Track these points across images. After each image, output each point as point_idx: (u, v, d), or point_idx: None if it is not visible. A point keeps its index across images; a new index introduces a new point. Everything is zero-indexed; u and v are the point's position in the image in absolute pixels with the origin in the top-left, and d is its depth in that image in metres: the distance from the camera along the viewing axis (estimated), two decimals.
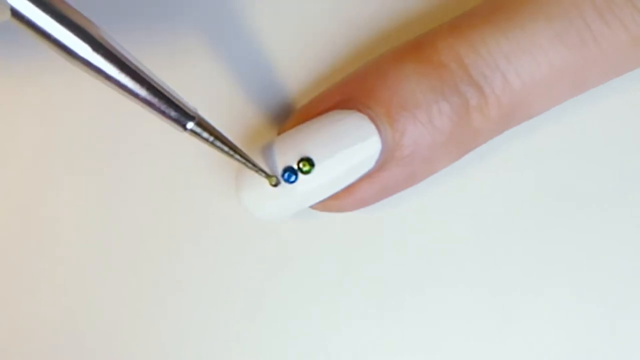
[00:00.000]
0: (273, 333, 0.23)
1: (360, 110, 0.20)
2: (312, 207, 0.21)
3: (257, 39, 0.23)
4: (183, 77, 0.23)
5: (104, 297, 0.23)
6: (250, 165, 0.19)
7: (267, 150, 0.20)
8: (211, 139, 0.19)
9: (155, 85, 0.18)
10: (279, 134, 0.21)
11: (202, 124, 0.18)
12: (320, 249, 0.23)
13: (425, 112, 0.20)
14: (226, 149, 0.19)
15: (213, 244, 0.23)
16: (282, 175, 0.20)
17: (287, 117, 0.23)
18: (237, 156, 0.19)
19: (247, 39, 0.23)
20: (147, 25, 0.23)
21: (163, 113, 0.18)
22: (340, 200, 0.21)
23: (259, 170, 0.19)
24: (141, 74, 0.17)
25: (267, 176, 0.20)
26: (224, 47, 0.23)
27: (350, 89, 0.21)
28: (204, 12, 0.23)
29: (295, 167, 0.20)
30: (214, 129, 0.19)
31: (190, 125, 0.18)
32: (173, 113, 0.18)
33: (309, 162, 0.19)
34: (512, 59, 0.20)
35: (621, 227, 0.23)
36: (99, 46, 0.17)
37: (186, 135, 0.18)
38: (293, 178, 0.20)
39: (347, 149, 0.20)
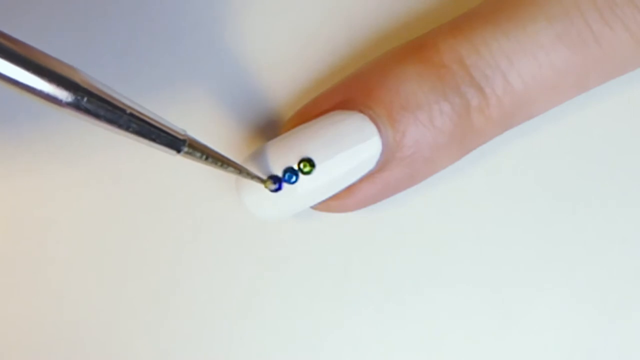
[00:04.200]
0: (273, 333, 0.23)
1: (361, 111, 0.20)
2: (313, 207, 0.21)
3: (258, 39, 0.23)
4: (183, 78, 0.23)
5: (103, 297, 0.23)
6: (244, 174, 0.19)
7: (268, 151, 0.20)
8: (204, 157, 0.19)
9: (142, 117, 0.17)
10: (279, 134, 0.21)
11: (193, 145, 0.18)
12: (320, 248, 0.23)
13: (426, 112, 0.20)
14: (219, 163, 0.19)
15: (213, 244, 0.23)
16: (283, 176, 0.20)
17: (288, 117, 0.23)
18: (230, 169, 0.19)
19: (247, 39, 0.23)
20: (147, 25, 0.23)
21: (154, 141, 0.18)
22: (341, 201, 0.21)
23: (255, 177, 0.20)
24: (126, 109, 0.17)
25: (263, 181, 0.20)
26: (223, 47, 0.23)
27: (351, 90, 0.21)
28: (204, 12, 0.23)
29: (296, 167, 0.20)
30: (205, 147, 0.19)
31: (182, 149, 0.18)
32: (164, 141, 0.18)
33: (310, 162, 0.19)
34: (514, 59, 0.20)
35: (621, 227, 0.23)
36: (84, 92, 0.16)
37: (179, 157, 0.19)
38: (294, 179, 0.20)
39: (348, 149, 0.20)
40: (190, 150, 0.18)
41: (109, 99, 0.17)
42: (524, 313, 0.23)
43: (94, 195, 0.23)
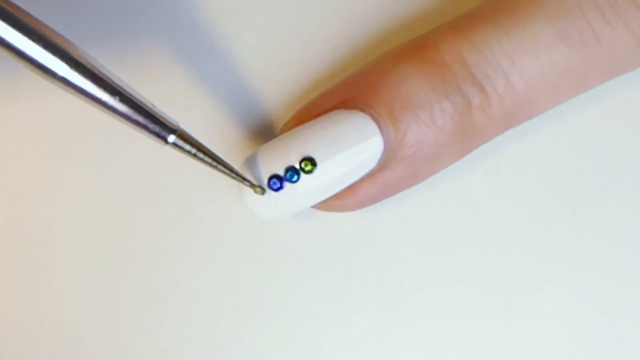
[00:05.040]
0: (273, 332, 0.23)
1: (362, 110, 0.20)
2: (314, 206, 0.21)
3: (258, 39, 0.23)
4: (183, 78, 0.23)
5: (103, 297, 0.23)
6: (234, 176, 0.19)
7: (269, 150, 0.20)
8: (193, 151, 0.19)
9: (133, 99, 0.18)
10: (280, 133, 0.21)
11: (184, 136, 0.18)
12: (320, 248, 0.23)
13: (427, 111, 0.20)
14: (209, 160, 0.19)
15: (213, 243, 0.23)
16: (285, 175, 0.20)
17: (288, 116, 0.23)
18: (220, 167, 0.19)
19: (248, 39, 0.23)
20: (147, 25, 0.23)
21: (143, 127, 0.18)
22: (342, 200, 0.21)
23: (244, 180, 0.20)
24: (118, 88, 0.17)
25: (252, 186, 0.20)
26: (224, 47, 0.23)
27: (353, 89, 0.21)
28: (204, 12, 0.23)
29: (298, 166, 0.20)
30: (196, 141, 0.19)
31: (171, 138, 0.18)
32: (153, 127, 0.18)
33: (311, 161, 0.19)
34: (515, 59, 0.20)
35: (621, 227, 0.23)
36: (75, 64, 0.17)
37: (168, 148, 0.18)
38: (295, 178, 0.20)
39: (349, 148, 0.20)
40: (180, 142, 0.18)
41: (102, 75, 0.17)
42: (524, 313, 0.23)
43: (94, 195, 0.23)
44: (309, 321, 0.23)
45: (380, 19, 0.23)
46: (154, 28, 0.23)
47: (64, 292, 0.23)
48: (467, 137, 0.21)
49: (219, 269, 0.23)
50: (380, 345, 0.23)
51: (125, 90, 0.17)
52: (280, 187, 0.20)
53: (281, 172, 0.20)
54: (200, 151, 0.19)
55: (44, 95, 0.23)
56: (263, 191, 0.20)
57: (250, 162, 0.20)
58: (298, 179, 0.20)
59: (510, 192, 0.23)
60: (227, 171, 0.19)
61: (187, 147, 0.18)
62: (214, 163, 0.19)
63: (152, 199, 0.23)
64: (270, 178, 0.20)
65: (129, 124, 0.18)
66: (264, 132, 0.23)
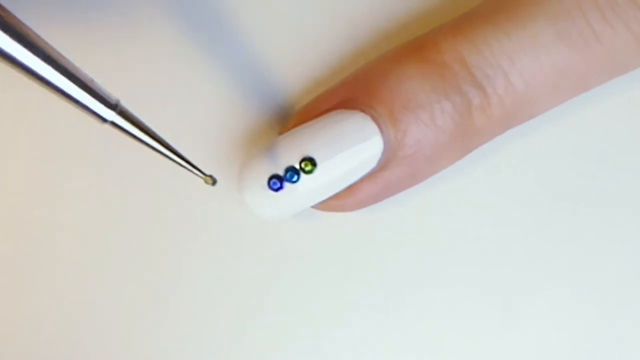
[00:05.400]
0: (273, 332, 0.23)
1: (362, 110, 0.20)
2: (314, 206, 0.21)
3: (258, 39, 0.23)
4: (183, 78, 0.23)
5: (103, 297, 0.23)
6: (183, 163, 0.18)
7: (269, 150, 0.20)
8: (136, 132, 0.17)
9: (69, 70, 0.16)
10: (280, 133, 0.21)
11: (125, 114, 0.17)
12: (320, 248, 0.23)
13: (427, 111, 0.20)
14: (155, 144, 0.17)
15: (213, 244, 0.23)
16: (285, 175, 0.20)
17: (288, 117, 0.23)
18: (168, 153, 0.17)
19: (248, 39, 0.23)
20: (147, 26, 0.23)
21: (77, 102, 0.16)
22: (342, 200, 0.21)
23: (194, 168, 0.18)
24: (54, 58, 0.15)
25: (203, 175, 0.18)
26: (224, 47, 0.23)
27: (353, 89, 0.21)
28: (205, 13, 0.23)
29: (298, 166, 0.20)
30: (139, 121, 0.17)
31: (110, 115, 0.16)
32: (90, 102, 0.16)
33: (311, 161, 0.19)
34: (515, 59, 0.20)
35: (621, 227, 0.23)
36: (5, 27, 0.15)
37: (108, 127, 0.17)
38: (295, 178, 0.20)
39: (349, 148, 0.20)
40: (121, 122, 0.16)
41: (32, 39, 0.15)
42: (524, 313, 0.23)
43: (94, 195, 0.23)
44: (309, 321, 0.23)
45: (381, 19, 0.23)
46: (154, 28, 0.23)
47: (64, 292, 0.23)
48: (467, 137, 0.21)
49: (219, 269, 0.23)
50: (380, 345, 0.23)
51: (60, 60, 0.16)
52: (280, 187, 0.20)
53: (281, 172, 0.20)
54: (145, 133, 0.17)
55: (44, 95, 0.23)
56: (214, 182, 0.18)
57: (251, 162, 0.20)
58: (298, 179, 0.20)
59: (510, 192, 0.23)
60: (176, 158, 0.18)
61: (128, 126, 0.17)
62: (161, 148, 0.17)
63: (152, 199, 0.23)
64: (270, 178, 0.20)
65: (61, 96, 0.16)
66: (264, 132, 0.23)
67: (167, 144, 0.18)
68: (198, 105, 0.23)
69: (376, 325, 0.23)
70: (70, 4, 0.22)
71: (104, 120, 0.16)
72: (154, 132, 0.17)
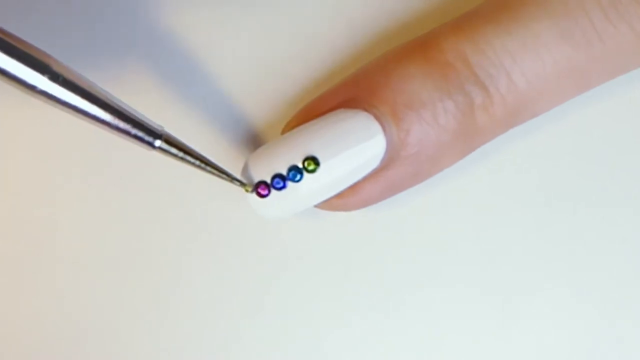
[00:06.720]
0: (273, 332, 0.23)
1: (365, 110, 0.20)
2: (317, 206, 0.21)
3: (259, 39, 0.23)
4: (183, 78, 0.23)
5: (103, 297, 0.23)
6: (224, 176, 0.20)
7: (272, 149, 0.20)
8: (180, 154, 0.19)
9: (116, 107, 0.18)
10: (282, 133, 0.21)
11: (170, 141, 0.19)
12: (320, 248, 0.23)
13: (430, 111, 0.20)
14: (197, 162, 0.19)
15: (214, 243, 0.23)
16: (288, 174, 0.20)
17: (290, 116, 0.23)
18: (209, 169, 0.19)
19: (249, 39, 0.23)
20: (147, 26, 0.23)
21: (128, 134, 0.18)
22: (344, 199, 0.21)
23: (234, 180, 0.20)
24: (100, 97, 0.17)
25: (242, 185, 0.20)
26: (225, 47, 0.23)
27: (355, 88, 0.21)
28: (205, 13, 0.23)
29: (301, 166, 0.20)
30: (183, 144, 0.19)
31: (157, 143, 0.18)
32: (138, 133, 0.18)
33: (314, 161, 0.19)
34: (517, 58, 0.20)
35: (621, 227, 0.23)
36: (56, 77, 0.17)
37: (155, 153, 0.19)
38: (298, 177, 0.20)
39: (352, 148, 0.20)
40: (166, 147, 0.19)
41: (82, 85, 0.17)
42: (524, 313, 0.23)
43: (94, 195, 0.23)
44: (309, 321, 0.23)
45: (381, 19, 0.23)
46: (155, 28, 0.23)
47: (64, 292, 0.23)
48: (469, 137, 0.21)
49: (219, 269, 0.23)
50: (380, 345, 0.23)
51: (107, 98, 0.18)
52: (283, 187, 0.20)
53: (284, 172, 0.20)
54: (188, 154, 0.19)
55: None
56: (254, 190, 0.20)
57: (253, 162, 0.20)
58: (301, 178, 0.20)
59: (511, 192, 0.23)
60: (216, 172, 0.20)
61: (174, 150, 0.19)
62: (202, 165, 0.19)
63: (152, 199, 0.23)
64: (273, 177, 0.20)
65: (115, 132, 0.18)
66: (266, 132, 0.23)
67: (209, 160, 0.19)
68: (200, 105, 0.23)
69: (376, 325, 0.23)
70: (70, 5, 0.22)
71: (153, 147, 0.18)
72: (195, 152, 0.19)
